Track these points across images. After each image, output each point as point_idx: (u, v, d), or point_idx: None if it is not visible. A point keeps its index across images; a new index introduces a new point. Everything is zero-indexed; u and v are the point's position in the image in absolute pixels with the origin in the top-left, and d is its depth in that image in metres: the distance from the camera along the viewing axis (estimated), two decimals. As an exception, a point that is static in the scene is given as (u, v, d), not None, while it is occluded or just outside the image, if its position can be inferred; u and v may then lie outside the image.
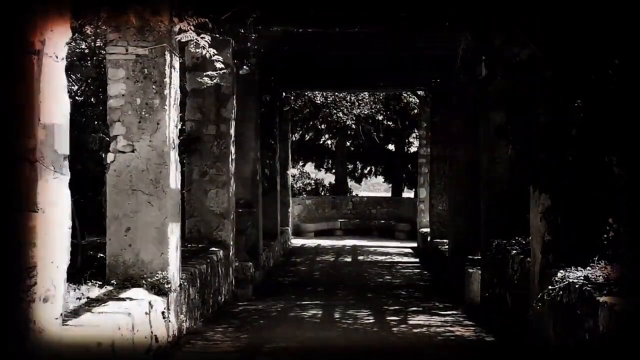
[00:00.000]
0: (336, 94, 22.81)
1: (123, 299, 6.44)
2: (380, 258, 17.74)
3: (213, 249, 9.90)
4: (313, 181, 28.20)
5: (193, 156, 10.42)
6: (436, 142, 17.20)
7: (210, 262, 9.12)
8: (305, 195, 25.90)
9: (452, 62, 12.95)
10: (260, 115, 14.57)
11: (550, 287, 6.46)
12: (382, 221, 24.28)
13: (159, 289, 6.97)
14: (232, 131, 10.54)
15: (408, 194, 29.94)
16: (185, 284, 7.74)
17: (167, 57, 7.18)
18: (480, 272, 10.84)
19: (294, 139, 25.31)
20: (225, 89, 10.47)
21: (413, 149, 28.02)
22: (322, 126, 26.59)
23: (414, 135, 27.19)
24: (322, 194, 27.73)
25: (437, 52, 12.62)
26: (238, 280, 11.72)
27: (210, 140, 10.42)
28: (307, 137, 28.01)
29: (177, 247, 7.45)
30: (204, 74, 8.62)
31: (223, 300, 9.86)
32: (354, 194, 29.20)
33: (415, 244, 20.47)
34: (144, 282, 6.99)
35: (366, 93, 22.97)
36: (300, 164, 28.90)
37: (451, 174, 14.04)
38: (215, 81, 8.52)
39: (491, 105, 9.82)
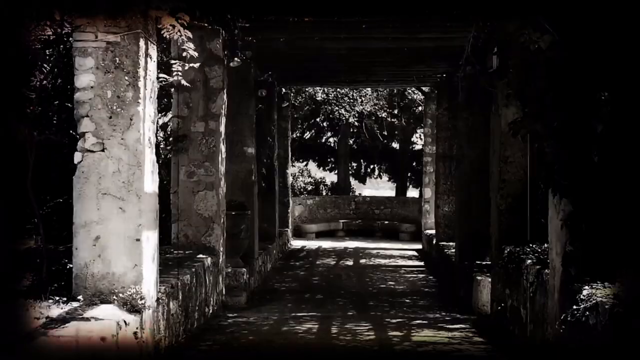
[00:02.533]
0: (338, 90, 22.00)
1: (87, 319, 5.67)
2: (383, 261, 16.95)
3: (200, 256, 9.13)
4: (314, 180, 27.39)
5: (180, 155, 9.65)
6: (442, 139, 16.39)
7: (195, 271, 8.34)
8: (306, 195, 25.09)
9: (459, 55, 12.14)
10: (256, 112, 13.81)
11: (574, 306, 5.66)
12: (386, 222, 23.45)
13: (131, 306, 6.19)
14: (222, 128, 9.75)
15: (413, 192, 29.16)
16: (164, 297, 6.95)
17: (142, 44, 6.39)
18: (490, 280, 10.07)
19: (294, 136, 24.55)
20: (215, 82, 9.69)
21: (418, 147, 27.24)
22: (324, 124, 25.82)
23: (418, 133, 26.42)
24: (324, 193, 26.93)
25: (443, 44, 11.79)
26: (230, 287, 10.98)
27: (199, 137, 9.64)
28: (308, 135, 27.22)
29: (154, 258, 6.67)
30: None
31: (211, 312, 9.08)
32: (356, 193, 28.40)
33: (420, 246, 19.70)
34: (114, 297, 6.22)
35: (369, 89, 22.17)
36: (301, 162, 28.11)
37: (458, 173, 13.24)
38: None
39: (503, 99, 9.02)
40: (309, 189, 26.50)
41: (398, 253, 18.65)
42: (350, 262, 16.78)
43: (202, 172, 9.63)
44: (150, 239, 6.53)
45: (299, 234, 22.51)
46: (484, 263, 11.51)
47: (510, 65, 8.64)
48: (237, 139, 12.67)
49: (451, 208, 15.58)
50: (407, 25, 10.84)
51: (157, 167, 6.80)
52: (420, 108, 23.14)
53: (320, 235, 22.76)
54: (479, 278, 10.56)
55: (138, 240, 6.31)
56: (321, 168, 29.85)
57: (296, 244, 20.54)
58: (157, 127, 14.96)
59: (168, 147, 10.69)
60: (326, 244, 20.86)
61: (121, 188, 6.32)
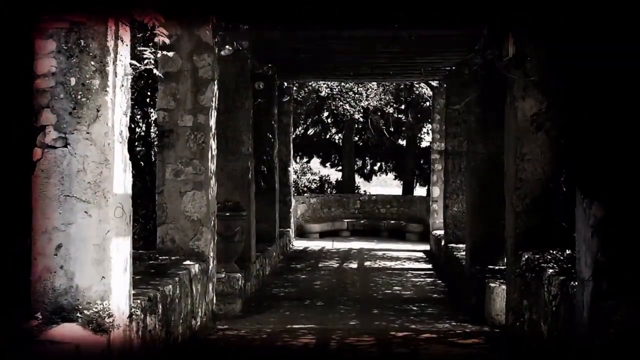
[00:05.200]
0: (342, 84, 21.16)
1: (42, 342, 4.87)
2: (389, 264, 16.12)
3: (187, 262, 8.32)
4: (318, 178, 26.54)
5: (165, 152, 8.82)
6: (451, 136, 15.55)
7: (180, 280, 7.53)
8: (309, 194, 24.25)
9: (470, 45, 11.33)
10: (255, 107, 13.02)
11: (611, 329, 4.85)
12: (392, 221, 22.61)
13: (97, 325, 5.38)
14: (212, 122, 8.92)
15: (421, 190, 28.33)
16: (139, 313, 6.14)
17: (111, 24, 5.58)
18: (504, 288, 9.27)
19: (297, 133, 23.73)
20: (204, 72, 8.85)
21: (425, 144, 26.41)
22: (329, 120, 24.98)
23: (426, 129, 25.58)
24: (328, 191, 26.08)
25: (453, 33, 10.94)
26: (224, 294, 10.21)
27: (186, 133, 8.81)
28: (312, 131, 26.36)
29: (126, 269, 5.85)
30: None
31: (198, 324, 8.26)
32: (362, 191, 27.55)
33: (427, 247, 18.88)
34: (78, 315, 5.40)
35: (374, 83, 21.32)
36: (305, 159, 27.25)
37: (469, 171, 12.41)
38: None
39: (519, 90, 8.18)
40: (313, 187, 25.68)
41: (405, 255, 17.83)
42: (354, 265, 15.97)
43: (191, 171, 8.81)
44: (122, 247, 5.72)
45: (302, 234, 21.72)
46: (496, 268, 10.76)
47: (528, 53, 7.86)
48: (233, 134, 11.90)
49: (461, 208, 14.76)
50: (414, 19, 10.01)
51: (131, 164, 5.98)
52: (427, 103, 22.30)
53: (324, 235, 21.95)
54: (492, 285, 9.76)
55: (106, 248, 5.50)
56: (325, 165, 29.03)
57: (298, 244, 19.73)
58: (150, 121, 14.24)
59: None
60: (330, 244, 20.06)
61: (87, 189, 5.50)
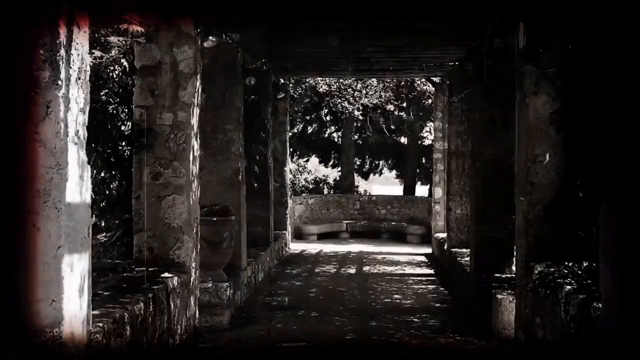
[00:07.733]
0: (341, 81, 20.39)
1: (-26, 381, 4.12)
2: (389, 269, 15.34)
3: (166, 274, 7.56)
4: (317, 178, 25.75)
5: (142, 153, 8.05)
6: (455, 134, 14.77)
7: (154, 295, 6.77)
8: (307, 194, 23.48)
9: (475, 38, 10.56)
10: (248, 104, 12.27)
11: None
12: (393, 223, 21.84)
13: (47, 356, 4.64)
14: (194, 120, 8.14)
15: (422, 189, 27.60)
16: (101, 338, 5.38)
17: (64, 8, 4.83)
18: (512, 299, 8.53)
19: (295, 131, 22.96)
20: (185, 66, 8.07)
21: (427, 142, 25.66)
22: (328, 117, 24.22)
23: (428, 127, 24.83)
24: (327, 192, 25.30)
25: (457, 24, 10.16)
26: (211, 305, 9.52)
27: (166, 132, 8.04)
28: (310, 130, 25.59)
29: (84, 289, 5.08)
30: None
31: (177, 342, 7.50)
32: (361, 191, 26.76)
33: (429, 250, 18.11)
34: (25, 344, 4.65)
35: (374, 80, 20.55)
36: (303, 159, 26.48)
37: (473, 172, 11.66)
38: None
39: (531, 85, 7.43)
40: (311, 187, 24.91)
41: (406, 259, 17.05)
42: (352, 270, 15.20)
43: (170, 173, 8.04)
44: (77, 266, 4.95)
45: (300, 235, 20.94)
46: (504, 276, 10.04)
47: (542, 43, 7.11)
48: (222, 134, 11.17)
49: (464, 210, 14.01)
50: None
51: (89, 170, 5.22)
52: (430, 100, 21.55)
53: (322, 237, 21.16)
54: (499, 297, 9.02)
55: (56, 267, 4.74)
56: (327, 165, 28.28)
57: (295, 247, 18.95)
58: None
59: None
60: (328, 247, 19.29)
61: (35, 198, 4.75)
